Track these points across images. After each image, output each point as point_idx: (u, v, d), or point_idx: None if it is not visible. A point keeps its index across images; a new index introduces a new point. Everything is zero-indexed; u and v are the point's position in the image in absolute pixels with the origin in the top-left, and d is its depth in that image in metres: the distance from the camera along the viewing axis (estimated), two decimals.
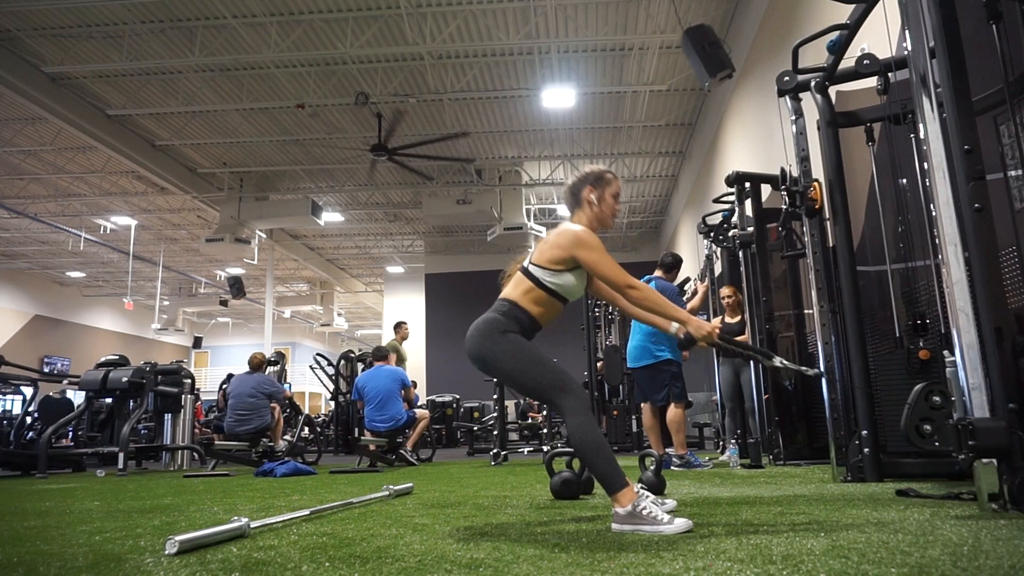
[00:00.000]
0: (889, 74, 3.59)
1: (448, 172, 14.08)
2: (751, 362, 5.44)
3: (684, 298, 7.36)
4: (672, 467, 5.00)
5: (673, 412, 5.05)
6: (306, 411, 14.26)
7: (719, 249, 7.06)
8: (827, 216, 3.84)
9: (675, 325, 2.30)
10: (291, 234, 18.18)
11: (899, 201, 3.75)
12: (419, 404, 11.71)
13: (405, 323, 8.67)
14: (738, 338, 5.75)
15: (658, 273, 5.30)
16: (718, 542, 1.76)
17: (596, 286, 2.42)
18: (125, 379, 6.69)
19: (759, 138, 7.84)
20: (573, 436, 2.10)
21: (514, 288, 2.28)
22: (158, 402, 7.26)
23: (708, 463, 5.17)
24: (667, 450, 5.22)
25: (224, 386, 11.01)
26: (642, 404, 5.29)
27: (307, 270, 20.96)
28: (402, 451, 6.63)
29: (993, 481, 2.14)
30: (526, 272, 2.28)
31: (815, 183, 3.88)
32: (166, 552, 1.81)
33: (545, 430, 6.81)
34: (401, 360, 8.00)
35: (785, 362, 2.43)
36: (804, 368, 3.14)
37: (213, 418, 11.25)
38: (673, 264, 5.34)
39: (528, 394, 2.25)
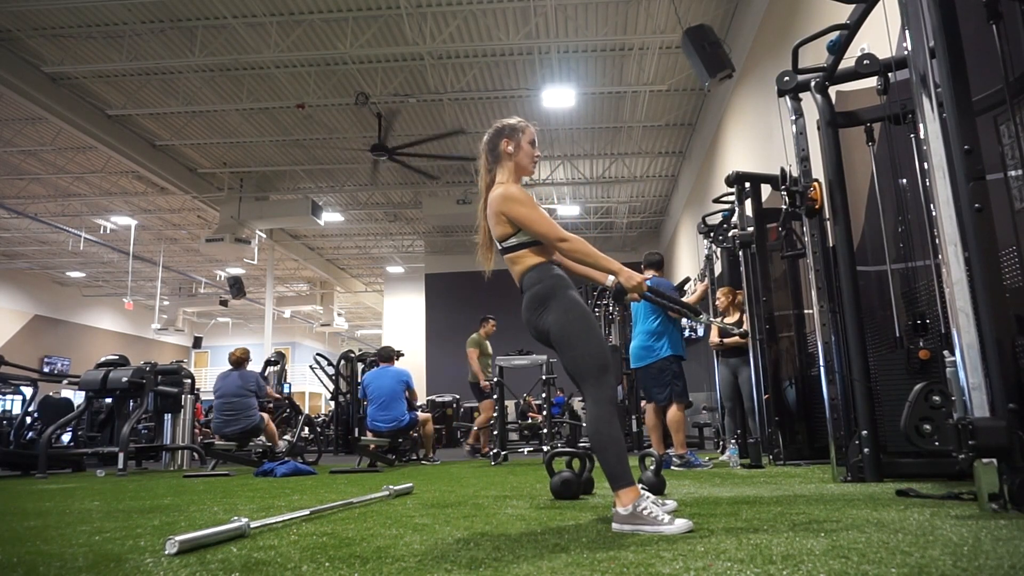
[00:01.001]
0: (889, 74, 3.59)
1: (448, 172, 14.09)
2: (749, 362, 5.44)
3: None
4: (672, 467, 5.01)
5: (673, 412, 5.06)
6: (306, 411, 14.26)
7: (719, 249, 7.06)
8: (827, 216, 3.84)
9: (610, 277, 2.32)
10: (291, 234, 18.18)
11: (899, 201, 3.75)
12: (418, 404, 11.75)
13: (492, 318, 8.38)
14: (729, 338, 5.79)
15: (651, 272, 5.31)
16: (718, 542, 1.76)
17: None
18: (125, 379, 6.68)
19: (759, 138, 7.84)
20: (590, 425, 2.10)
21: (517, 264, 2.31)
22: (158, 402, 7.25)
23: (708, 463, 5.17)
24: (667, 450, 5.23)
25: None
26: (645, 404, 5.30)
27: (307, 270, 20.96)
28: (424, 461, 7.07)
29: (993, 481, 2.14)
30: (507, 249, 2.32)
31: (815, 183, 3.88)
32: (166, 552, 1.81)
33: (545, 430, 6.81)
34: (485, 355, 7.88)
35: (713, 320, 2.53)
36: (732, 328, 3.22)
37: (212, 418, 11.24)
38: (660, 261, 5.43)
39: (571, 362, 2.18)
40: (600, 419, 2.09)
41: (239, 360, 6.85)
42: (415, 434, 6.98)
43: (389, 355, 7.01)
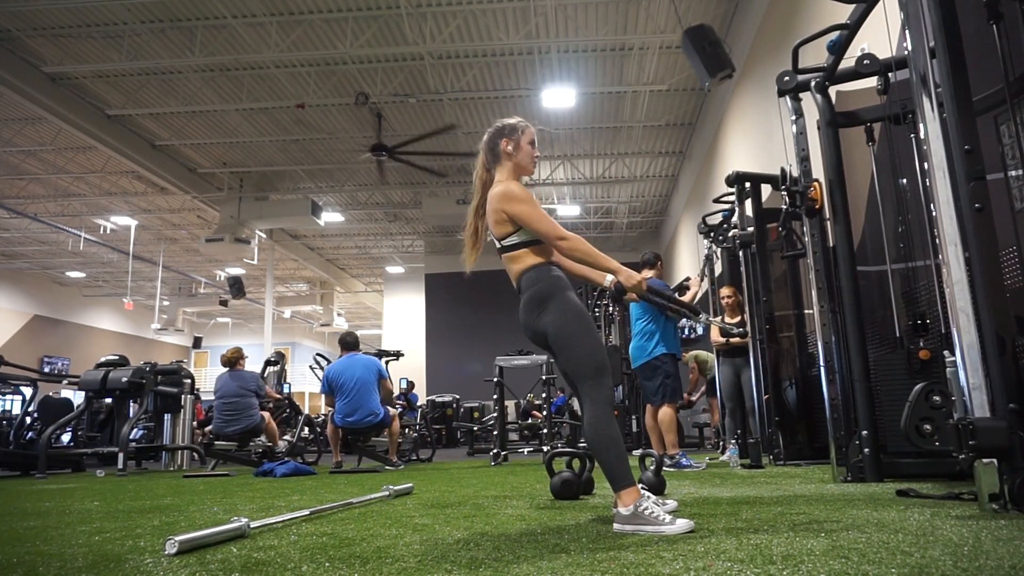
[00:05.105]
0: (889, 74, 3.58)
1: (450, 171, 14.08)
2: (751, 362, 5.44)
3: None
4: (663, 467, 4.98)
5: (663, 411, 5.05)
6: (306, 411, 14.24)
7: (719, 249, 7.05)
8: (827, 216, 3.84)
9: (609, 277, 2.31)
10: (291, 234, 18.17)
11: (899, 201, 3.75)
12: (418, 404, 11.71)
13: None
14: (733, 338, 5.77)
15: (650, 272, 5.30)
16: (718, 542, 1.76)
17: None
18: (125, 379, 6.68)
19: (759, 138, 7.84)
20: (588, 428, 2.10)
21: (515, 264, 2.30)
22: (158, 402, 7.25)
23: (700, 464, 5.14)
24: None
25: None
26: (647, 405, 5.28)
27: (307, 270, 20.96)
28: (388, 466, 6.16)
29: (993, 481, 2.14)
30: (506, 248, 2.31)
31: (815, 183, 3.88)
32: (166, 552, 1.81)
33: (545, 430, 6.81)
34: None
35: (712, 319, 2.53)
36: (732, 328, 3.22)
37: (212, 418, 11.22)
38: (656, 260, 5.40)
39: (568, 363, 2.18)
40: (599, 420, 2.09)
41: (230, 361, 6.68)
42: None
43: (355, 341, 6.44)
